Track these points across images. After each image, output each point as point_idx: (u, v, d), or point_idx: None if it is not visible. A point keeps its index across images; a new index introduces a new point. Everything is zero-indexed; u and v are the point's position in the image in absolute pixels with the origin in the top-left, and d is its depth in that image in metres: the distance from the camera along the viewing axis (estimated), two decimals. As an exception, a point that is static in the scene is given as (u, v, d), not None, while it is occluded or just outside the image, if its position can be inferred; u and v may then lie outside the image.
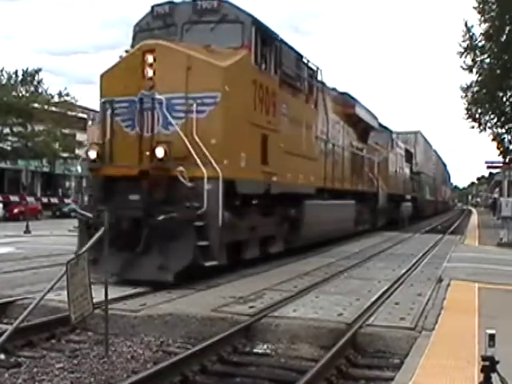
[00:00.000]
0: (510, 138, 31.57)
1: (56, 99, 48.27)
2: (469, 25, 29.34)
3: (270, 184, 12.43)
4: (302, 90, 14.93)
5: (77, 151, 48.86)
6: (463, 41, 29.61)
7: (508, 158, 30.78)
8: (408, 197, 35.75)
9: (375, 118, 25.18)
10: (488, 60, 29.37)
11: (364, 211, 23.09)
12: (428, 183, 50.87)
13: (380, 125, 27.29)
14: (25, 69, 46.56)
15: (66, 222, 27.70)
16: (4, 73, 45.61)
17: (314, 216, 15.33)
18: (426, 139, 53.50)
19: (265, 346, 7.16)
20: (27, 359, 6.36)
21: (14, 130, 45.47)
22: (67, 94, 48.93)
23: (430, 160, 56.34)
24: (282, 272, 12.10)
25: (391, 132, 29.94)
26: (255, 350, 7.07)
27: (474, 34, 29.36)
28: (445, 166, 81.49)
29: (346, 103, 20.75)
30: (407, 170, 36.77)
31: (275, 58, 12.71)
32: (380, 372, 6.23)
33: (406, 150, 37.15)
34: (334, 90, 19.99)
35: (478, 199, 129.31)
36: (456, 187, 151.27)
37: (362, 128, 22.92)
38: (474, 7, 28.25)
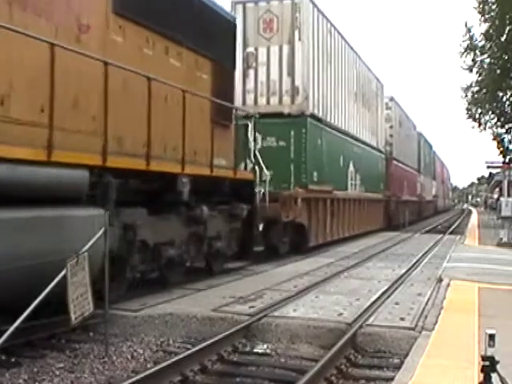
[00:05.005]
0: (510, 137, 31.53)
1: None
2: (469, 25, 29.34)
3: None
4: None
5: None
6: (463, 41, 29.61)
7: (508, 157, 30.73)
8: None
9: None
10: (488, 60, 29.35)
11: None
12: (358, 158, 22.56)
13: None
14: None
15: None
16: None
17: None
18: (347, 42, 21.46)
19: (265, 346, 7.16)
20: (27, 359, 6.36)
21: None
22: None
23: (378, 107, 27.58)
24: (282, 272, 12.12)
25: None
26: (255, 350, 7.07)
27: (473, 34, 29.36)
28: (430, 147, 52.56)
29: None
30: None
31: None
32: (380, 372, 6.23)
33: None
34: None
35: (478, 199, 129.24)
36: (456, 187, 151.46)
37: None
38: (474, 7, 28.27)
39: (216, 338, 6.87)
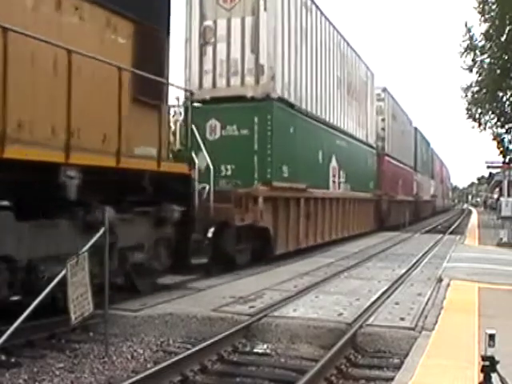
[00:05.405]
0: (510, 137, 31.54)
1: None
2: (469, 25, 29.37)
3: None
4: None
5: None
6: (463, 41, 29.63)
7: (508, 157, 30.74)
8: None
9: None
10: (488, 60, 29.37)
11: None
12: (342, 152, 19.92)
13: None
14: None
15: None
16: None
17: None
18: (329, 20, 18.90)
19: (265, 346, 7.16)
20: (27, 359, 6.36)
21: None
22: None
23: (368, 98, 24.95)
24: (281, 272, 12.12)
25: None
26: (255, 350, 7.06)
27: (473, 34, 29.39)
28: (428, 144, 49.95)
29: None
30: None
31: None
32: (380, 372, 6.23)
33: None
34: None
35: (478, 199, 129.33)
36: (456, 187, 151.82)
37: None
38: (474, 7, 28.29)
39: (216, 338, 6.87)
